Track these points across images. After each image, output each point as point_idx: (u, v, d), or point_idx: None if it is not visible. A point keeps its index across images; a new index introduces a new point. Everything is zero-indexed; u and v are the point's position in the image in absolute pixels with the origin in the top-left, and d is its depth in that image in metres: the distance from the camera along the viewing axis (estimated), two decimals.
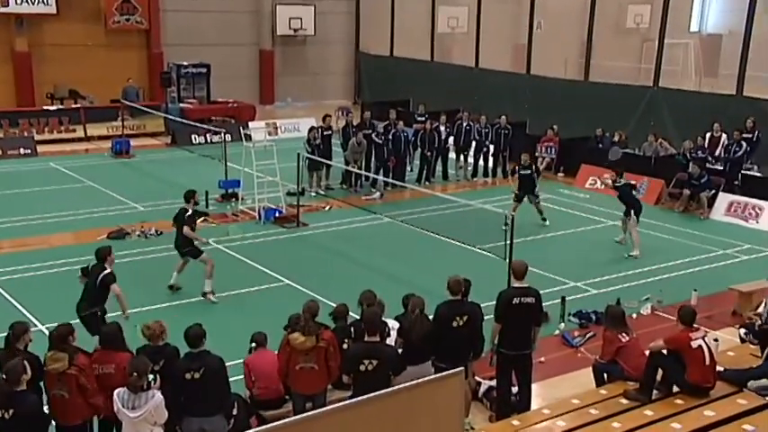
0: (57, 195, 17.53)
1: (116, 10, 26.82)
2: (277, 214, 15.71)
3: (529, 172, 15.47)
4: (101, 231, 14.57)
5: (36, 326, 10.03)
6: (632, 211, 14.10)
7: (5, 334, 7.09)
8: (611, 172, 14.91)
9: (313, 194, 17.67)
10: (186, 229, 11.40)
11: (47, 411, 6.79)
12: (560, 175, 20.13)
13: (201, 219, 15.58)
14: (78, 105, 24.85)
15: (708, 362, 7.68)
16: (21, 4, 25.01)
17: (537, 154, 20.29)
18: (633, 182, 15.11)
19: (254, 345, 7.97)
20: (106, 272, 9.10)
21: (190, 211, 11.56)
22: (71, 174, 19.54)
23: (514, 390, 8.31)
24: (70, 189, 18.16)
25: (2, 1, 24.81)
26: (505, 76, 25.62)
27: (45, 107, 24.45)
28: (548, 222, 15.70)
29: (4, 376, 6.25)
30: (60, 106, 24.77)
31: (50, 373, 6.77)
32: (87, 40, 26.65)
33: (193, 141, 23.41)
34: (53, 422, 6.90)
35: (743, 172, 17.53)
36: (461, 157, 20.06)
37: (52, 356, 6.78)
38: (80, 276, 9.53)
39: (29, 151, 21.71)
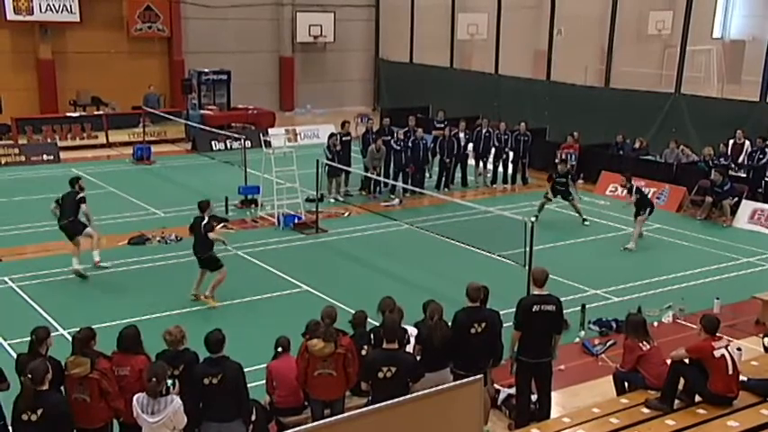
0: None
1: (138, 18, 27.13)
2: (296, 220, 15.75)
3: (564, 180, 16.31)
4: (122, 237, 14.70)
5: (57, 330, 10.11)
6: (648, 210, 14.66)
7: (28, 339, 7.15)
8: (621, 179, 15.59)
9: (332, 201, 17.70)
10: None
11: None
12: (580, 181, 20.00)
13: (221, 225, 15.70)
14: (100, 112, 25.12)
15: (731, 371, 7.58)
16: (45, 12, 25.36)
17: (557, 161, 20.19)
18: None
19: (280, 349, 7.87)
20: (205, 222, 11.45)
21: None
22: (93, 180, 19.69)
23: (534, 398, 8.25)
24: (92, 195, 18.09)
25: (26, 9, 25.18)
26: (525, 82, 25.55)
27: (68, 114, 24.75)
28: (588, 223, 16.23)
29: (29, 376, 6.30)
30: (83, 113, 25.04)
31: (72, 377, 6.80)
32: (110, 48, 26.98)
33: (214, 148, 23.56)
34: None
35: (766, 179, 17.33)
36: (481, 163, 20.02)
37: (74, 361, 6.82)
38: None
39: (52, 157, 21.95)
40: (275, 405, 7.89)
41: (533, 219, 15.16)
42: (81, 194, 12.70)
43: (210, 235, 11.45)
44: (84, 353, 6.88)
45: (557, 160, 20.09)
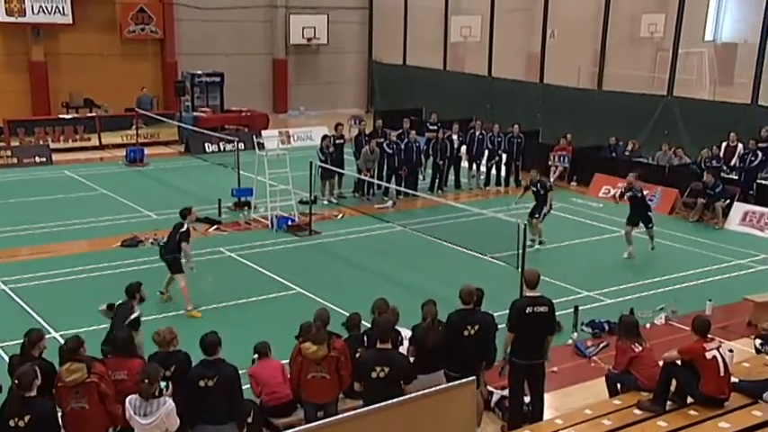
0: (71, 203, 17.65)
1: (131, 20, 27.08)
2: (289, 222, 15.75)
3: (536, 189, 14.71)
4: (114, 239, 14.67)
5: (50, 333, 10.07)
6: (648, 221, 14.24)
7: (21, 341, 7.12)
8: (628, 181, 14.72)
9: (325, 203, 17.70)
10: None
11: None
12: (573, 184, 20.07)
13: (214, 227, 15.70)
14: (93, 114, 25.05)
15: (722, 373, 7.61)
16: (37, 14, 25.28)
17: (550, 163, 20.28)
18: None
19: (256, 356, 7.93)
20: (183, 229, 11.28)
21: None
22: (85, 182, 19.68)
23: (527, 399, 8.27)
24: (84, 197, 18.29)
25: (19, 11, 25.10)
26: (518, 84, 25.61)
27: (60, 116, 24.65)
28: (538, 246, 14.55)
29: (16, 382, 6.25)
30: (75, 115, 24.97)
31: (66, 386, 6.65)
32: (102, 50, 26.90)
33: (207, 150, 23.52)
34: None
35: (758, 181, 17.42)
36: (474, 165, 20.05)
37: (69, 368, 6.69)
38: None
39: (44, 159, 21.88)
40: (265, 405, 7.88)
41: (537, 246, 14.40)
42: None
43: (183, 245, 11.28)
44: (77, 359, 6.77)
45: (549, 162, 20.20)
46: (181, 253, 11.34)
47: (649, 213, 14.37)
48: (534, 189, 14.78)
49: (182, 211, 11.63)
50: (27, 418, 6.12)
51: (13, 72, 25.85)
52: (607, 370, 8.63)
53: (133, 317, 8.54)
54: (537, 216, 14.56)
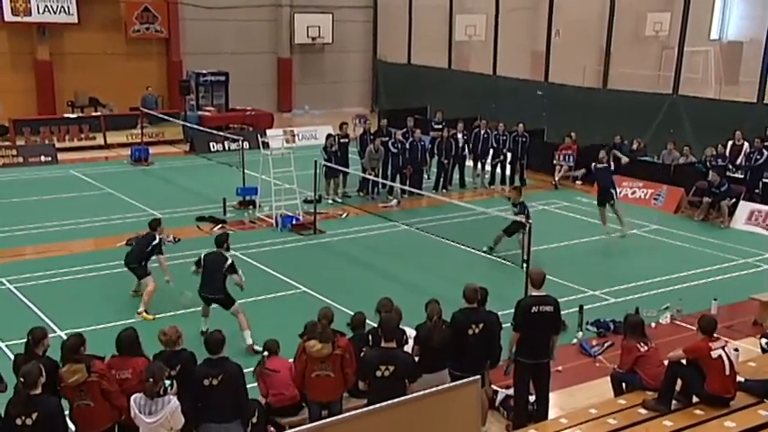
0: (76, 202, 17.69)
1: (136, 19, 27.12)
2: (294, 221, 15.75)
3: (516, 210, 13.47)
4: (120, 238, 14.68)
5: (55, 331, 10.09)
6: (614, 192, 15.03)
7: (25, 339, 7.14)
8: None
9: (330, 202, 17.70)
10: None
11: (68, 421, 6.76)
12: (578, 183, 20.02)
13: (219, 226, 15.70)
14: (98, 113, 25.10)
15: (728, 372, 7.59)
16: (43, 13, 25.36)
17: (555, 162, 20.25)
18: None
19: (266, 353, 7.92)
20: (155, 242, 11.21)
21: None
22: (91, 181, 19.72)
23: (532, 399, 8.26)
24: (90, 196, 18.32)
25: (24, 10, 25.18)
26: (523, 83, 25.58)
27: (66, 115, 24.71)
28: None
29: (21, 380, 6.27)
30: (81, 114, 25.03)
31: (69, 386, 6.70)
32: (108, 49, 26.97)
33: (211, 149, 23.55)
34: None
35: (764, 180, 17.35)
36: (479, 164, 20.03)
37: (69, 370, 6.72)
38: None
39: (50, 159, 21.93)
40: (271, 405, 7.88)
41: (485, 249, 13.50)
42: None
43: (160, 258, 11.31)
44: (77, 359, 6.79)
45: (554, 161, 20.17)
46: (146, 261, 11.36)
47: (612, 190, 15.06)
48: (515, 210, 13.53)
49: (151, 223, 11.64)
50: (34, 416, 6.14)
51: (18, 71, 25.92)
52: (612, 369, 8.62)
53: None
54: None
